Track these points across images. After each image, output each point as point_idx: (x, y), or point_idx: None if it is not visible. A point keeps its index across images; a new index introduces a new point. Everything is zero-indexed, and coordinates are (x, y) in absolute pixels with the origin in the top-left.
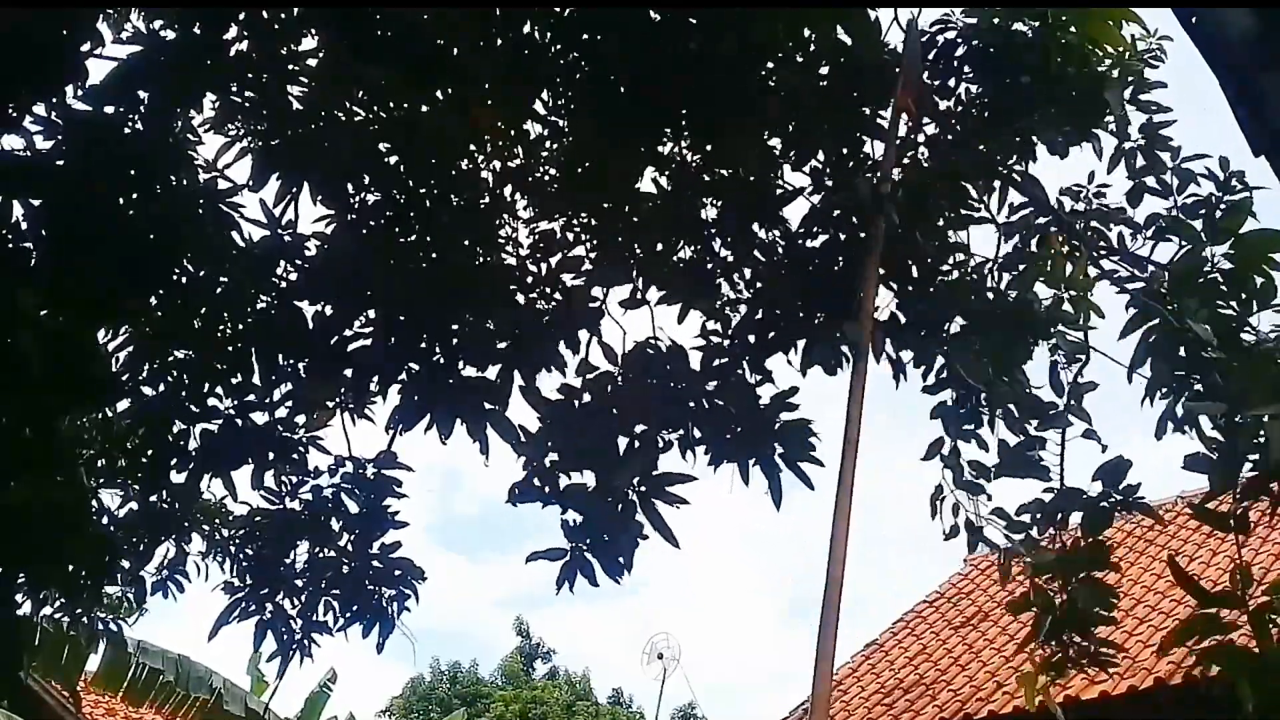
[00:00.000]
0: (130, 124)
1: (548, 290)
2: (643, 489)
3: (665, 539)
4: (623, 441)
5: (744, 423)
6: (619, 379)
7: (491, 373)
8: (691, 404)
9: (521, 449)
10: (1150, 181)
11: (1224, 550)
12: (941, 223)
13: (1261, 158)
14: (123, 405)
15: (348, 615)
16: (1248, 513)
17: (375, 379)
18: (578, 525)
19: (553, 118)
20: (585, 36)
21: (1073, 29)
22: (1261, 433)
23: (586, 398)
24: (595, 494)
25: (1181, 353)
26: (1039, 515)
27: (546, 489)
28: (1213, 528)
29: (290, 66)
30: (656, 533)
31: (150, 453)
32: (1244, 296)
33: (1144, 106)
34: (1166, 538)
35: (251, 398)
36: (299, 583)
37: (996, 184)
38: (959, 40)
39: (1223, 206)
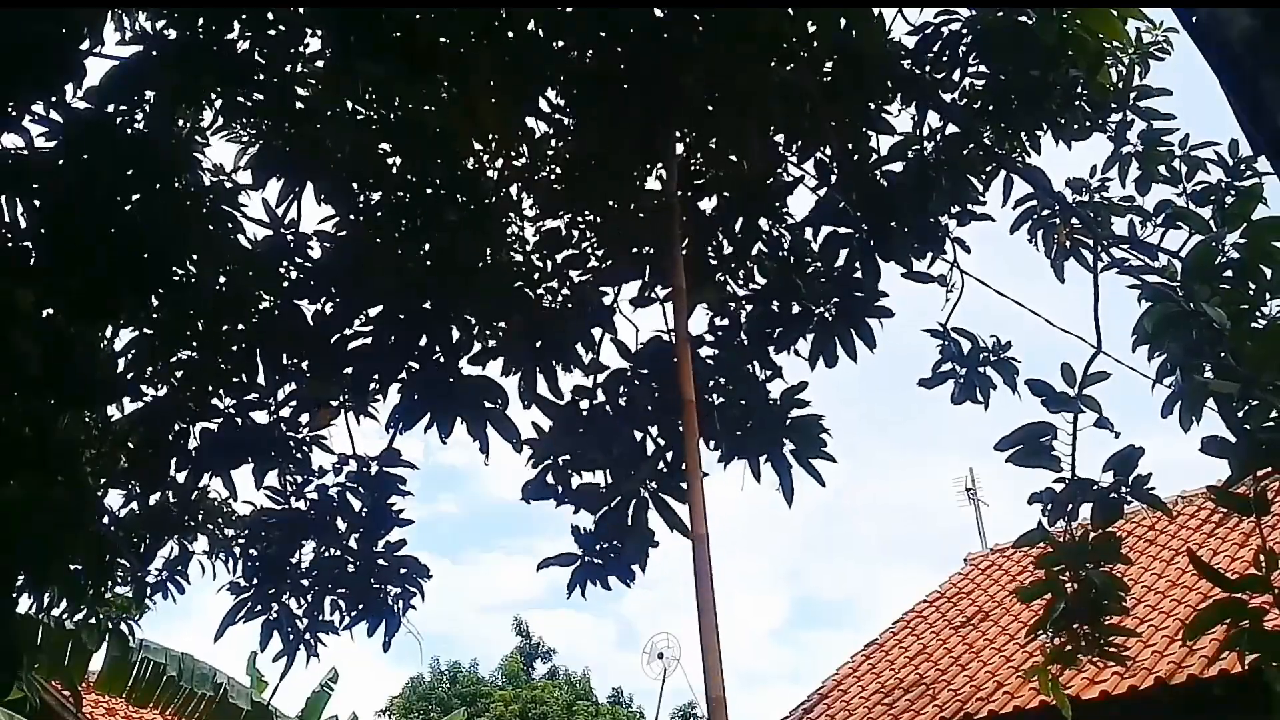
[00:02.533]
0: (131, 124)
1: (554, 287)
2: (654, 486)
3: (681, 533)
4: (636, 438)
5: (755, 419)
6: (631, 377)
7: (508, 375)
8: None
9: (531, 446)
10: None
11: (1224, 550)
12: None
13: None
14: (128, 406)
15: (354, 614)
16: (1266, 493)
17: (376, 377)
18: (589, 532)
19: (556, 115)
20: (588, 34)
21: (1077, 20)
22: (1274, 413)
23: (600, 397)
24: (607, 495)
25: (1193, 336)
26: (1050, 505)
27: (559, 487)
28: (1231, 510)
29: (290, 68)
30: (671, 528)
31: (150, 452)
32: (1256, 284)
33: (1144, 114)
34: (1167, 538)
35: (254, 397)
36: (305, 582)
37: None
38: (964, 31)
39: (1232, 193)
